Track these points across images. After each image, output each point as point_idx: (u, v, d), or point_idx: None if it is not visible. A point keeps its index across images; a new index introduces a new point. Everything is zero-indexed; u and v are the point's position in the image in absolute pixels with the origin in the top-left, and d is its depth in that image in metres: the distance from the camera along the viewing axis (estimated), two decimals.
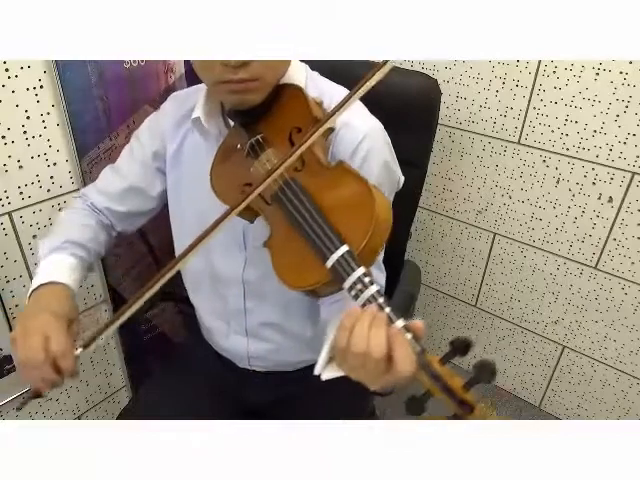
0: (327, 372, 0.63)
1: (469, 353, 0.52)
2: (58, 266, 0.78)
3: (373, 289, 0.53)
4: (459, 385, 0.51)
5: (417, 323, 0.53)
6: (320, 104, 0.70)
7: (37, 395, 0.70)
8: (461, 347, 0.52)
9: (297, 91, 0.70)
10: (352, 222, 0.57)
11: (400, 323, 0.52)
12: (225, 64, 0.63)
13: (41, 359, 0.66)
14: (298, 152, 0.61)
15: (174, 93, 0.89)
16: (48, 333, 0.67)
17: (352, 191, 0.60)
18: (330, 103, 0.74)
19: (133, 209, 0.90)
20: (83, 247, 0.83)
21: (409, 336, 0.52)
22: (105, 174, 0.92)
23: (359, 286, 0.54)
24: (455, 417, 0.53)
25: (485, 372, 0.51)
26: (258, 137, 0.68)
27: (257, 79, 0.65)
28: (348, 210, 0.59)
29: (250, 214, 0.69)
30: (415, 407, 0.53)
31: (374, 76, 0.60)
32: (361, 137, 0.72)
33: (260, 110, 0.70)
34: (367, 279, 0.54)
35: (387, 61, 0.60)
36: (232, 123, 0.74)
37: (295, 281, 0.60)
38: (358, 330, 0.52)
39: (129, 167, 0.88)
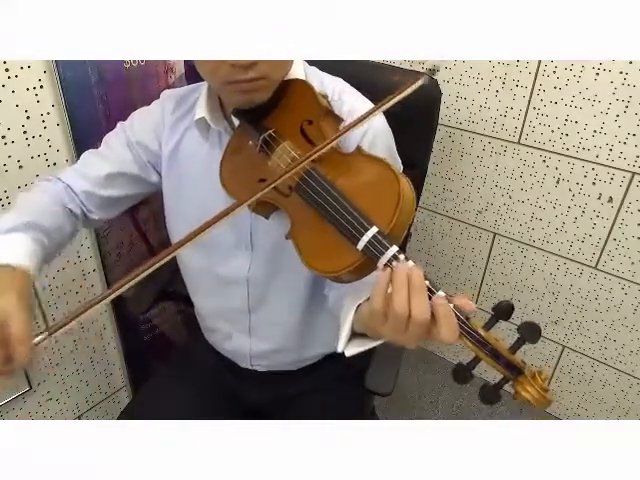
0: (350, 348, 0.63)
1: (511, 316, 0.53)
2: (20, 248, 0.68)
3: (410, 264, 0.54)
4: (505, 348, 0.53)
5: (462, 298, 0.53)
6: (325, 96, 0.71)
7: None
8: (503, 311, 0.53)
9: (304, 85, 0.71)
10: (379, 202, 0.58)
11: (441, 294, 0.53)
12: (234, 64, 0.63)
13: None
14: (324, 149, 0.62)
15: (166, 91, 0.87)
16: (8, 312, 0.57)
17: (375, 172, 0.61)
18: (333, 96, 0.75)
19: (119, 194, 0.85)
20: (47, 234, 0.74)
21: (451, 305, 0.52)
22: (88, 158, 0.85)
23: (395, 263, 0.54)
24: (504, 381, 0.54)
25: (531, 332, 0.52)
26: (270, 132, 0.69)
27: (265, 77, 0.66)
28: (373, 191, 0.60)
29: (266, 209, 0.69)
30: (462, 374, 0.54)
31: (408, 88, 0.62)
32: (366, 125, 0.73)
33: (266, 107, 0.71)
34: (402, 256, 0.54)
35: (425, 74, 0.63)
36: (237, 123, 0.74)
37: (327, 266, 0.60)
38: (398, 293, 0.52)
39: (118, 152, 0.83)
